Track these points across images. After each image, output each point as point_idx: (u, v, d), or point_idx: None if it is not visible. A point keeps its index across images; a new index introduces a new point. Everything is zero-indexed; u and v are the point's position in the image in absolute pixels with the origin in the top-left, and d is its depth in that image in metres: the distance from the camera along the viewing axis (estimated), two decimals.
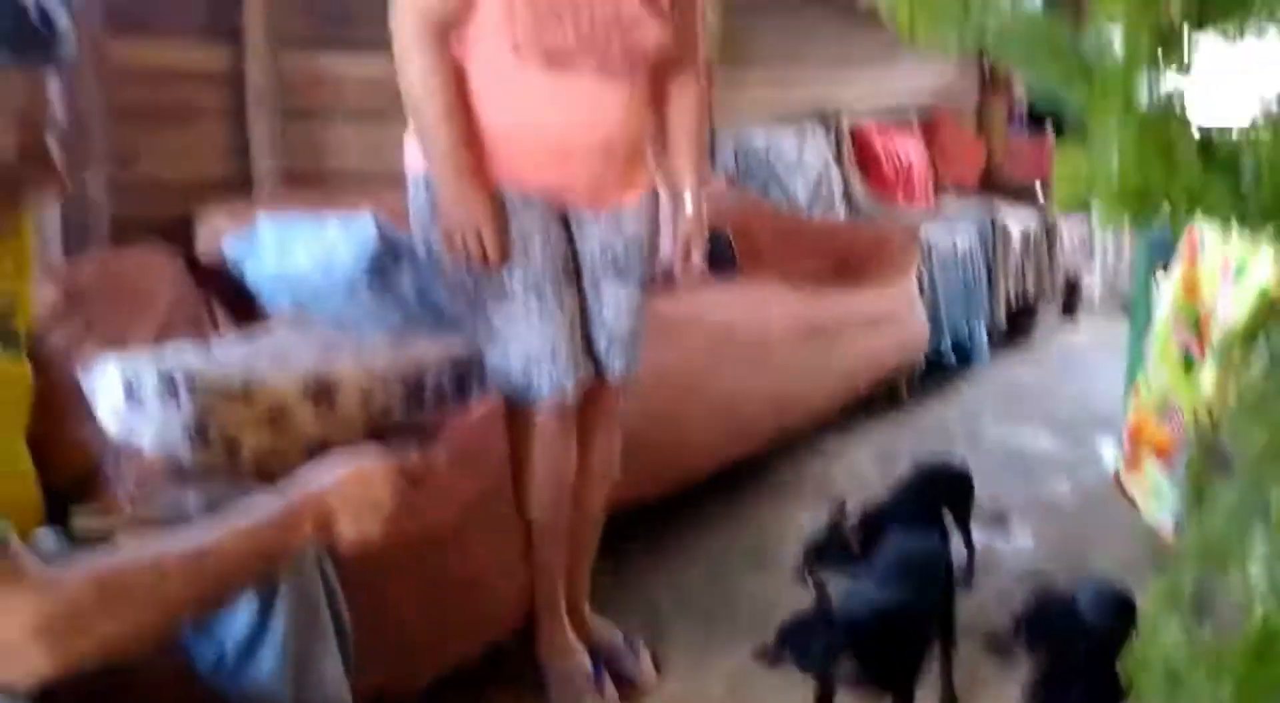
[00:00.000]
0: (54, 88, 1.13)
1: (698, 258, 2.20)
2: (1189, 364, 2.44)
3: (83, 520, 1.26)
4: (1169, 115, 0.70)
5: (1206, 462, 1.08)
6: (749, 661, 1.83)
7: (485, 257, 1.92)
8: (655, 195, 2.16)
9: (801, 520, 2.92)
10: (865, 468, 3.51)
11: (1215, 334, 2.31)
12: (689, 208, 2.16)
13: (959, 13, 0.70)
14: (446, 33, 1.89)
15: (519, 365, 2.01)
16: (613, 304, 2.11)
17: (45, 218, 2.34)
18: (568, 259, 2.04)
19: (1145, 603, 0.99)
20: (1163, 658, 0.95)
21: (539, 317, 1.99)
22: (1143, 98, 0.69)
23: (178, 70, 2.74)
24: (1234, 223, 0.69)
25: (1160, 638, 0.96)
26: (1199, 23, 0.64)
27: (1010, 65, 0.70)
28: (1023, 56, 0.73)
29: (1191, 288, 2.45)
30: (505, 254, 1.94)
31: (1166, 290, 2.57)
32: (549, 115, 1.93)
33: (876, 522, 2.30)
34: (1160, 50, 0.64)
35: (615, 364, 2.14)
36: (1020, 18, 0.71)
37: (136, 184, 2.58)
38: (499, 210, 1.93)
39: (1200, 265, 2.42)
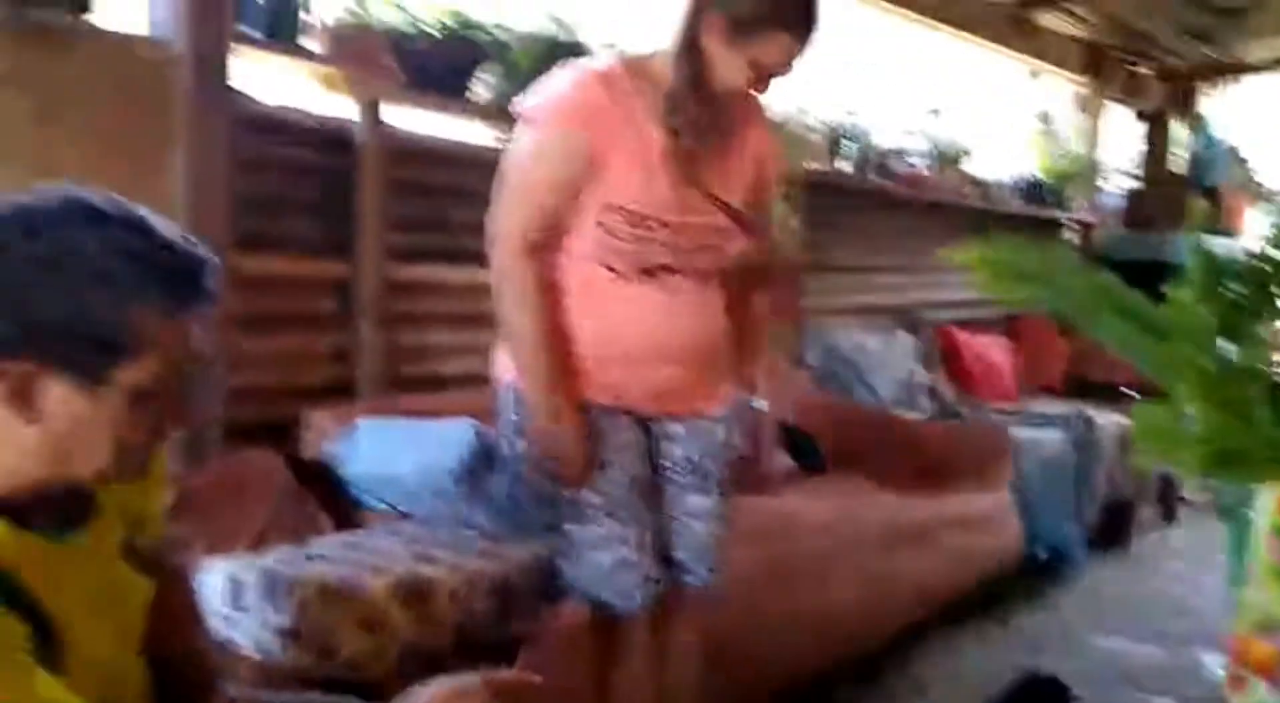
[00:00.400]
0: (203, 327, 1.12)
1: (774, 462, 2.22)
2: None
3: None
4: (1245, 376, 0.73)
5: None
6: None
7: (570, 473, 1.95)
8: (737, 401, 2.20)
9: None
10: (959, 676, 3.40)
11: None
12: (766, 411, 2.19)
13: (1038, 277, 0.75)
14: (543, 251, 1.94)
15: (594, 578, 2.01)
16: (694, 514, 2.10)
17: None
18: (649, 471, 2.06)
19: None
20: None
21: (616, 532, 1.99)
22: (1217, 361, 0.73)
23: (292, 280, 2.91)
24: None
25: None
26: (1259, 309, 0.68)
27: (1085, 325, 0.75)
28: (1098, 319, 0.77)
29: None
30: (590, 472, 1.96)
31: (1263, 501, 2.51)
32: (640, 326, 1.97)
33: None
34: (1231, 321, 0.68)
35: (696, 574, 2.12)
36: (1096, 283, 0.76)
37: (249, 387, 2.71)
38: (587, 428, 1.96)
39: None
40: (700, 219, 1.97)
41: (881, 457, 3.85)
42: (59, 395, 1.02)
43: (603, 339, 1.97)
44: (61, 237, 1.03)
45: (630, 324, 1.97)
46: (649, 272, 1.95)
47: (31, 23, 2.21)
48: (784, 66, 1.93)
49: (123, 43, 2.40)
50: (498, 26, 3.15)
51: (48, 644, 1.02)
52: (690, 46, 1.92)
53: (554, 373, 1.94)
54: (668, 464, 2.09)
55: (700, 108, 1.94)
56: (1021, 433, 4.31)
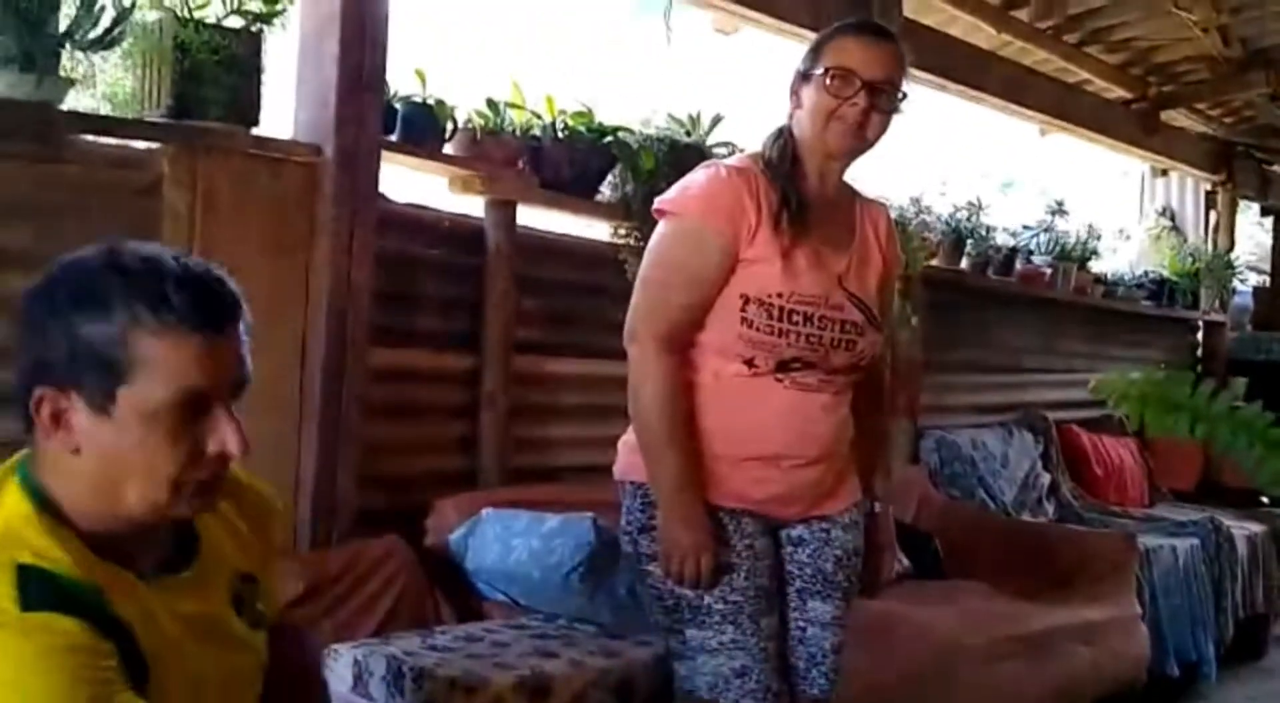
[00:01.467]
0: (239, 350, 1.16)
1: (891, 565, 2.18)
2: None
3: None
4: None
5: None
6: None
7: (695, 576, 1.92)
8: (862, 505, 2.17)
9: None
10: None
11: None
12: (885, 513, 2.17)
13: (1189, 412, 0.76)
14: (679, 348, 1.94)
15: (712, 684, 1.96)
16: (815, 621, 2.07)
17: (297, 508, 2.56)
18: (773, 577, 2.02)
19: None
20: None
21: (737, 639, 1.95)
22: None
23: (423, 372, 3.01)
24: None
25: None
26: None
27: (1234, 453, 0.75)
28: (1245, 447, 0.78)
29: None
30: (718, 577, 1.93)
31: None
32: (773, 426, 1.95)
33: None
34: None
35: (813, 682, 2.08)
36: (1241, 415, 0.77)
37: (378, 475, 2.79)
38: (714, 531, 1.93)
39: None
40: (838, 314, 1.98)
41: (1002, 561, 3.76)
42: (84, 421, 1.10)
43: (734, 439, 1.96)
44: (70, 272, 1.13)
45: (763, 424, 1.96)
46: (785, 366, 1.95)
47: (197, 131, 2.37)
48: (863, 69, 1.94)
49: (276, 147, 2.55)
50: (624, 129, 3.25)
51: (137, 673, 1.07)
52: (781, 132, 2.01)
53: (684, 474, 1.92)
54: (792, 570, 2.07)
55: (819, 200, 1.99)
56: (1151, 540, 4.17)
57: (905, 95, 2.00)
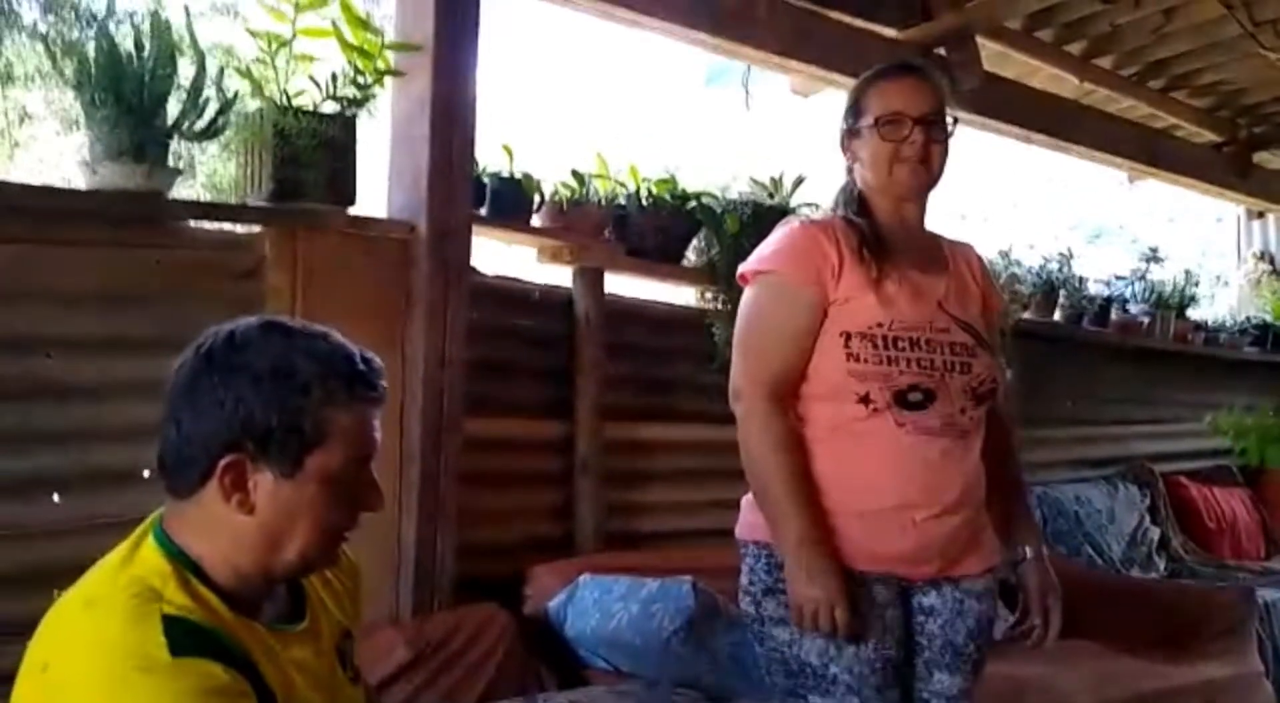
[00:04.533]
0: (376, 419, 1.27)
1: (1057, 621, 2.08)
2: None
3: None
4: None
5: None
6: None
7: (833, 628, 1.83)
8: (1000, 569, 2.03)
9: None
10: None
11: None
12: (1038, 558, 2.04)
13: None
14: (787, 399, 1.91)
15: None
16: (942, 695, 1.97)
17: (399, 576, 2.59)
18: (901, 648, 1.93)
19: None
20: None
21: None
22: None
23: (518, 441, 3.05)
24: None
25: None
26: None
27: None
28: None
29: None
30: (855, 633, 1.85)
31: None
32: (902, 470, 1.88)
33: None
34: None
35: None
36: None
37: (477, 543, 2.82)
38: (847, 591, 1.84)
39: None
40: (944, 336, 1.93)
41: (1112, 619, 3.63)
42: (266, 486, 1.19)
43: (855, 490, 1.89)
44: (261, 348, 1.22)
45: (886, 472, 1.88)
46: (903, 399, 1.88)
47: (297, 213, 2.46)
48: (909, 107, 1.95)
49: (371, 226, 2.64)
50: (707, 194, 3.29)
51: None
52: (845, 187, 2.04)
53: (809, 526, 1.85)
54: (921, 640, 1.97)
55: (899, 234, 1.99)
56: (1270, 594, 4.00)
57: (956, 120, 2.02)
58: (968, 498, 1.97)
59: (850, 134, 2.03)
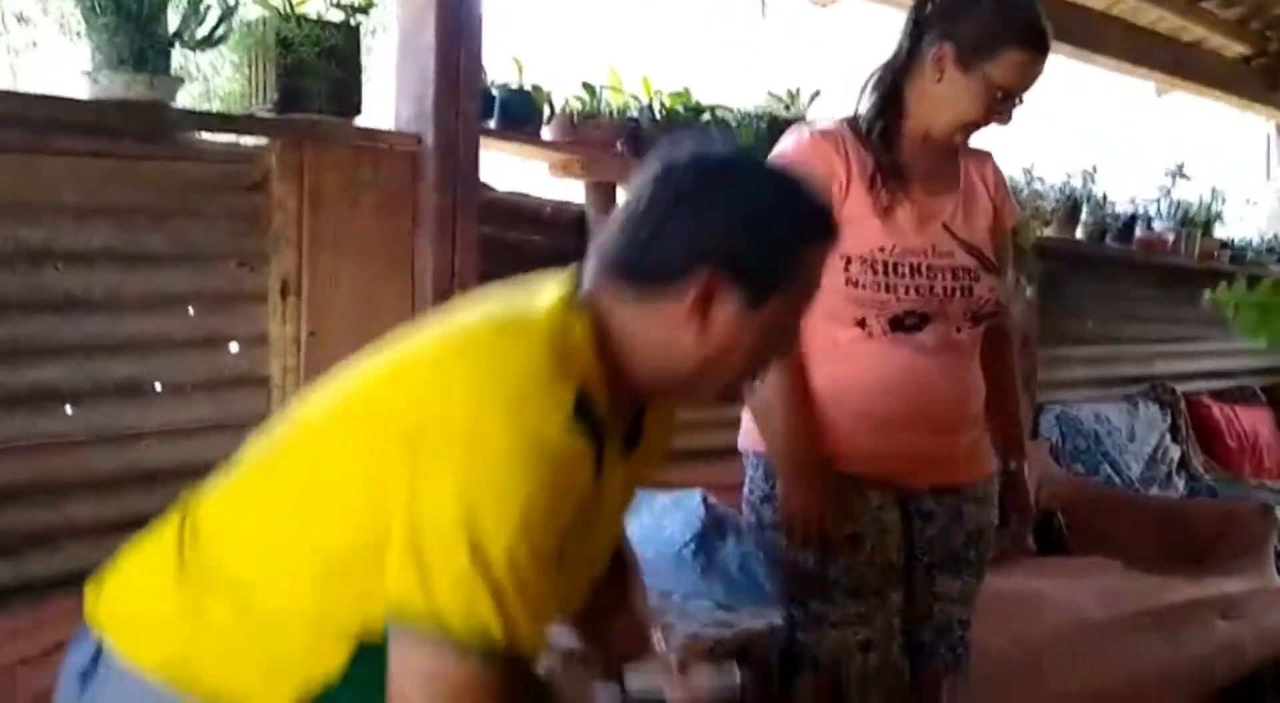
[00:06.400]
0: None
1: (1020, 537, 2.11)
2: None
3: (636, 681, 1.38)
4: None
5: None
6: None
7: (822, 544, 1.88)
8: (996, 477, 2.08)
9: None
10: None
11: None
12: (1019, 474, 2.09)
13: None
14: None
15: (830, 655, 1.94)
16: (944, 597, 2.02)
17: None
18: (901, 552, 1.97)
19: None
20: None
21: (858, 613, 1.92)
22: None
23: None
24: None
25: None
26: None
27: None
28: None
29: None
30: (840, 545, 1.89)
31: None
32: (894, 388, 1.90)
33: None
34: None
35: (941, 658, 2.03)
36: None
37: None
38: (839, 498, 1.89)
39: None
40: (947, 261, 1.91)
41: (1130, 537, 3.64)
42: (728, 312, 1.15)
43: (855, 405, 1.91)
44: (762, 178, 1.22)
45: (883, 389, 1.90)
46: (900, 322, 1.88)
47: (303, 124, 2.43)
48: (1023, 87, 1.88)
49: (378, 137, 2.60)
50: (721, 107, 3.23)
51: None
52: (886, 98, 1.92)
53: (801, 440, 1.88)
54: (921, 545, 2.00)
55: (917, 148, 1.92)
56: None
57: None
58: (964, 413, 1.98)
59: (959, 61, 1.85)
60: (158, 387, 2.24)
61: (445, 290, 2.63)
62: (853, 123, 1.96)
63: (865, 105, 1.96)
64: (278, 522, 1.12)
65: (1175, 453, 4.67)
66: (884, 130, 1.92)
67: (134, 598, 1.17)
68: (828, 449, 1.91)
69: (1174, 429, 4.73)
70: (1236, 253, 5.21)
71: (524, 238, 3.03)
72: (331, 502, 1.09)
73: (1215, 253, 5.06)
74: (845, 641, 1.93)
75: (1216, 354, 5.22)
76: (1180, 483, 4.57)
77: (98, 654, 1.14)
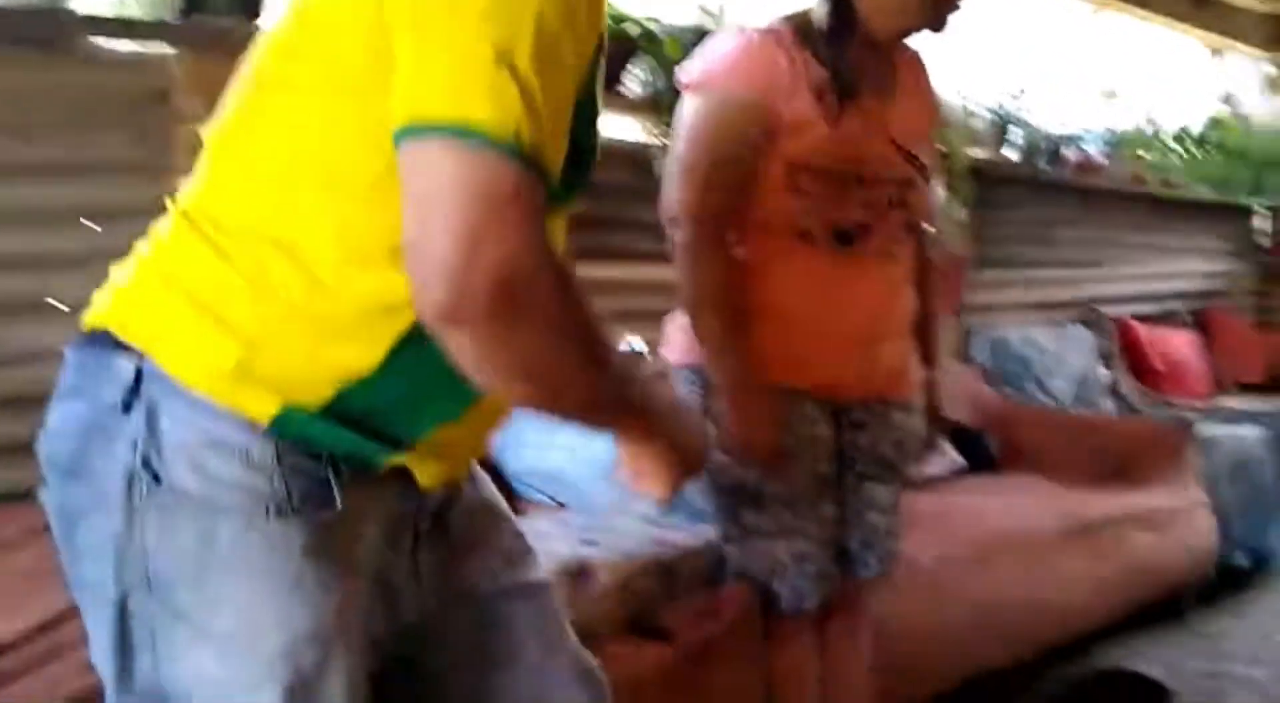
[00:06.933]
0: None
1: (932, 444, 2.12)
2: None
3: None
4: None
5: None
6: None
7: (756, 455, 1.87)
8: (924, 388, 2.10)
9: None
10: None
11: None
12: (934, 381, 2.10)
13: None
14: (725, 229, 1.86)
15: (763, 570, 1.95)
16: (872, 504, 2.02)
17: None
18: (832, 460, 1.96)
19: None
20: None
21: (794, 524, 1.92)
22: None
23: None
24: None
25: None
26: None
27: None
28: None
29: None
30: (781, 456, 1.88)
31: None
32: (835, 300, 1.88)
33: None
34: None
35: (869, 566, 2.04)
36: None
37: None
38: (775, 409, 1.87)
39: None
40: (890, 171, 1.88)
41: (1056, 455, 3.68)
42: None
43: (792, 316, 1.88)
44: None
45: (823, 298, 1.87)
46: (844, 234, 1.85)
47: (206, 30, 2.32)
48: None
49: None
50: (648, 19, 3.15)
51: None
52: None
53: (741, 356, 1.85)
54: (852, 454, 2.00)
55: (861, 53, 1.87)
56: (1212, 429, 4.06)
57: None
58: (897, 325, 1.98)
59: None
60: (56, 304, 2.15)
61: None
62: (796, 25, 1.89)
63: (816, 9, 1.89)
64: (287, 147, 0.99)
65: (1104, 376, 4.72)
66: (834, 36, 1.86)
67: (179, 304, 0.99)
68: (766, 361, 1.88)
69: (1102, 353, 4.78)
70: (1165, 176, 5.24)
71: None
72: (328, 75, 0.96)
73: (1145, 176, 5.09)
74: (779, 554, 1.93)
75: (1144, 278, 5.27)
76: (1108, 405, 4.63)
77: (136, 383, 0.97)
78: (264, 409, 0.96)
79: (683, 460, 1.13)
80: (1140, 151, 5.06)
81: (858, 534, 2.03)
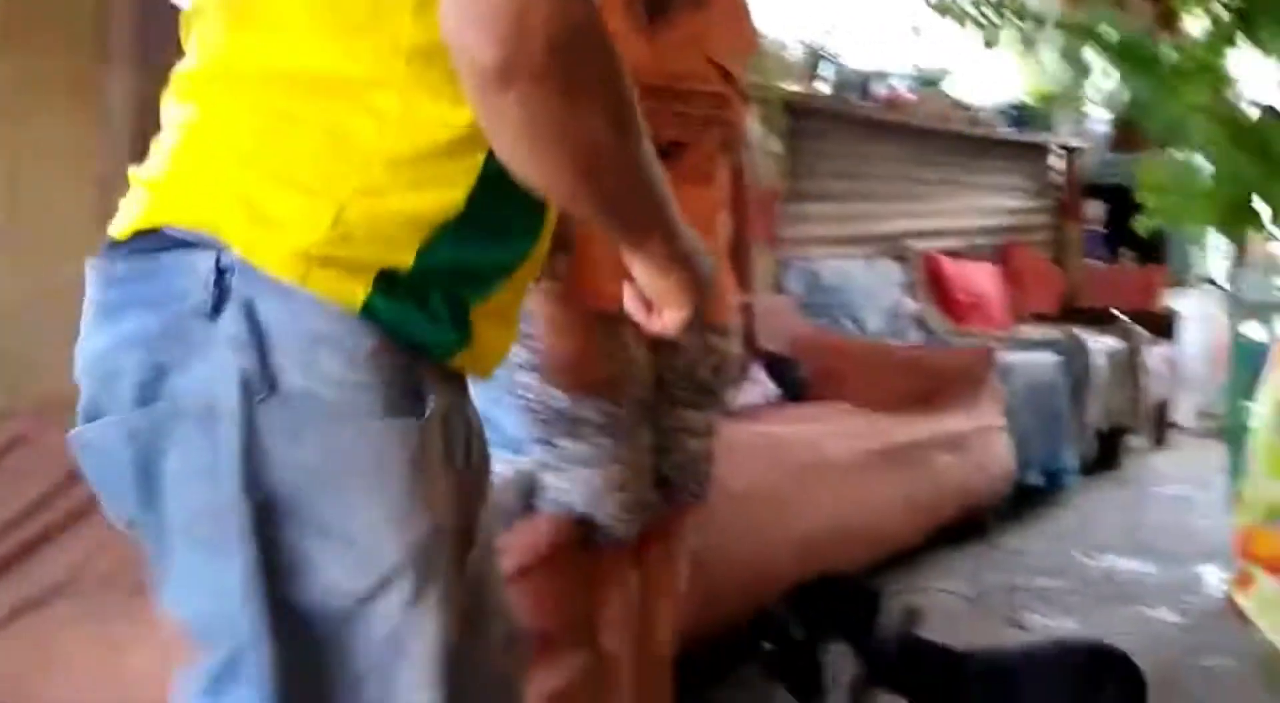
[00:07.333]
0: None
1: (749, 364, 2.13)
2: None
3: None
4: (1263, 118, 0.63)
5: None
6: None
7: (584, 387, 1.83)
8: (739, 312, 2.09)
9: None
10: (949, 600, 3.33)
11: None
12: (744, 304, 2.10)
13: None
14: None
15: (583, 498, 1.91)
16: (688, 429, 2.00)
17: None
18: (650, 386, 1.94)
19: None
20: None
21: (611, 453, 1.88)
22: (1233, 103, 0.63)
23: None
24: None
25: None
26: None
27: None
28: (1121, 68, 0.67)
29: None
30: (599, 382, 1.84)
31: (1264, 397, 2.45)
32: None
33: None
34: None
35: (685, 489, 2.03)
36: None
37: None
38: (596, 334, 1.83)
39: None
40: (705, 86, 1.84)
41: (866, 383, 3.77)
42: None
43: (605, 237, 1.83)
44: None
45: None
46: (661, 151, 1.80)
47: None
48: None
49: None
50: None
51: None
52: None
53: (560, 275, 1.79)
54: (668, 377, 1.97)
55: None
56: (1011, 356, 4.23)
57: None
58: (711, 248, 1.93)
59: None
60: None
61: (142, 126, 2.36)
62: None
63: None
64: None
65: (911, 307, 4.86)
66: None
67: (252, 178, 0.90)
68: (583, 286, 1.83)
69: (910, 285, 4.92)
70: (971, 113, 5.39)
71: None
72: None
73: (950, 113, 5.23)
74: (596, 482, 1.89)
75: (950, 213, 5.44)
76: (915, 335, 4.78)
77: (220, 278, 0.88)
78: (355, 293, 0.89)
79: (698, 297, 1.12)
80: (945, 89, 5.18)
81: (675, 460, 2.01)
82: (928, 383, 3.75)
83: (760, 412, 3.48)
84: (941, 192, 5.35)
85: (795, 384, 3.75)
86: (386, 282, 0.91)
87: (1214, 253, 6.14)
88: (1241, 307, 3.51)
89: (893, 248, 4.94)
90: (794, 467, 2.95)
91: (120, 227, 0.93)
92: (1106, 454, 4.87)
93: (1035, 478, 4.16)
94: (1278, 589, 2.32)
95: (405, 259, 0.91)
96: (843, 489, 3.03)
